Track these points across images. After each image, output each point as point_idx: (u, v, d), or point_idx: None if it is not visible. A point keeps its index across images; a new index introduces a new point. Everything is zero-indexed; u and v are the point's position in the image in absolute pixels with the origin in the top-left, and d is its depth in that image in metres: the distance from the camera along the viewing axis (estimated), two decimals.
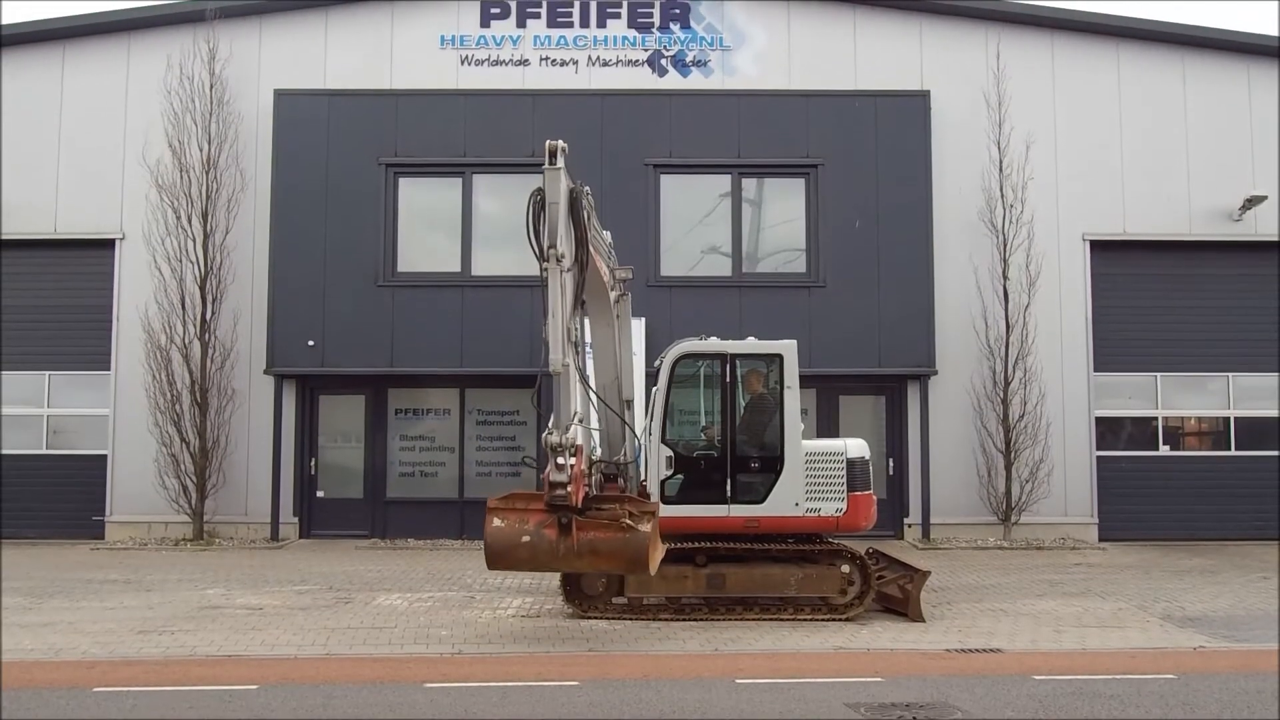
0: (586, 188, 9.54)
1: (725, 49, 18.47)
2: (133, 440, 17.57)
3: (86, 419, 18.15)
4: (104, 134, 18.15)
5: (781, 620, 10.74)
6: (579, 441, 8.83)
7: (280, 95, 17.91)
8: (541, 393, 9.42)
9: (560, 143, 9.04)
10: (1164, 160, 18.26)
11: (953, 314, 17.75)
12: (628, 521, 9.00)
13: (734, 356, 11.32)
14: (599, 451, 11.21)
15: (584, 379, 10.83)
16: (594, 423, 11.75)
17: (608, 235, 11.65)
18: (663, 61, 18.47)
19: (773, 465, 11.03)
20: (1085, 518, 17.80)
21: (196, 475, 17.14)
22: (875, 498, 11.40)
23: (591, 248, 9.57)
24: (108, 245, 18.13)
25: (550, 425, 8.85)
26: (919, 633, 10.38)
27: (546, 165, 8.95)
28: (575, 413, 8.91)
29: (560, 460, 8.58)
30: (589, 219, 9.51)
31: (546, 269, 8.85)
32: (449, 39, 18.46)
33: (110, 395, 17.94)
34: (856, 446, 11.27)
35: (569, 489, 8.57)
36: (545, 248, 8.85)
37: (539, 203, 8.98)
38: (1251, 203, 17.85)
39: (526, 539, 8.90)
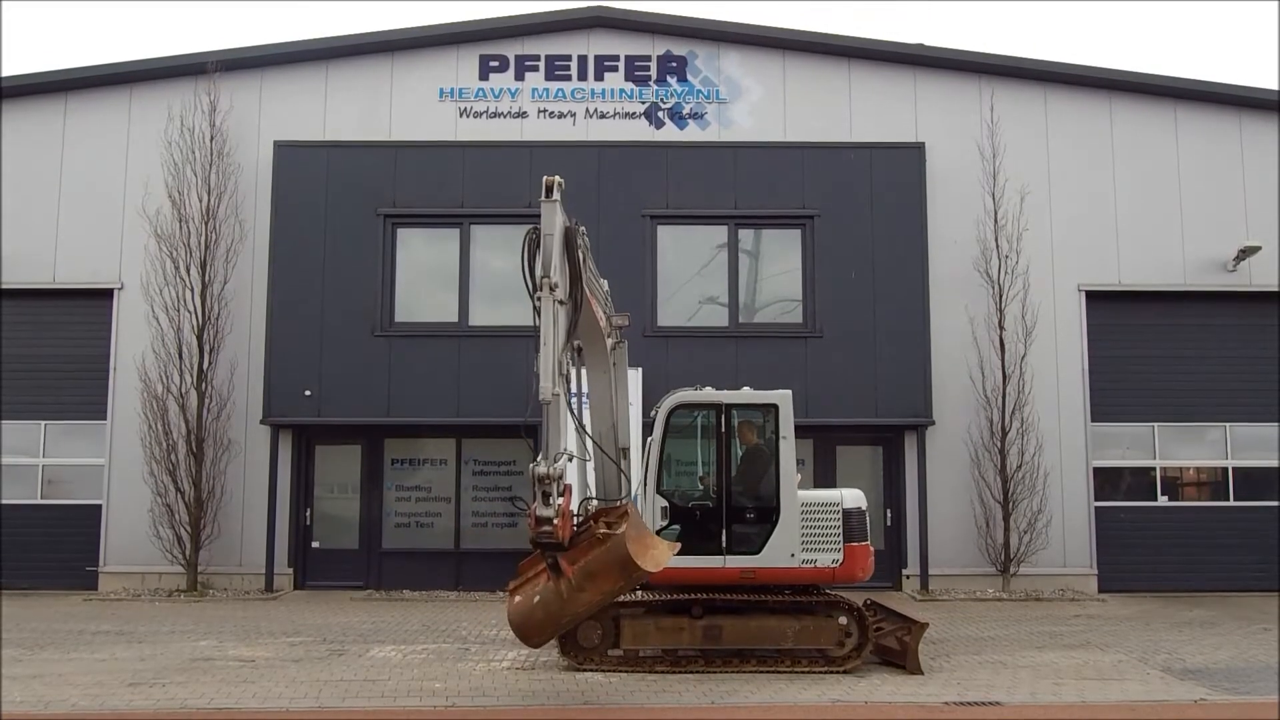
0: (582, 227, 9.57)
1: (721, 101, 18.65)
2: (128, 490, 17.51)
3: (82, 469, 18.08)
4: (104, 185, 18.27)
5: (779, 672, 10.65)
6: (569, 480, 8.69)
7: (280, 147, 18.05)
8: (538, 433, 9.33)
9: (557, 178, 9.07)
10: (1158, 211, 18.38)
11: (949, 364, 17.77)
12: (603, 531, 8.89)
13: (729, 406, 11.31)
14: (595, 497, 11.13)
15: (580, 426, 10.81)
16: (588, 465, 11.70)
17: (605, 283, 11.67)
18: (659, 114, 18.64)
19: (768, 516, 10.96)
20: (1084, 569, 17.70)
21: (191, 525, 17.05)
22: (872, 549, 11.32)
23: (587, 289, 9.56)
24: (106, 295, 18.17)
25: (539, 457, 8.59)
26: (917, 685, 10.28)
27: (543, 199, 8.96)
28: (565, 449, 8.80)
29: (548, 495, 8.36)
30: (584, 258, 9.52)
31: (539, 298, 8.76)
32: (448, 91, 18.64)
33: (106, 445, 17.91)
34: (853, 497, 11.21)
35: (555, 524, 8.33)
36: (539, 277, 8.79)
37: (534, 240, 8.97)
38: (1246, 253, 17.94)
39: (537, 599, 8.78)
